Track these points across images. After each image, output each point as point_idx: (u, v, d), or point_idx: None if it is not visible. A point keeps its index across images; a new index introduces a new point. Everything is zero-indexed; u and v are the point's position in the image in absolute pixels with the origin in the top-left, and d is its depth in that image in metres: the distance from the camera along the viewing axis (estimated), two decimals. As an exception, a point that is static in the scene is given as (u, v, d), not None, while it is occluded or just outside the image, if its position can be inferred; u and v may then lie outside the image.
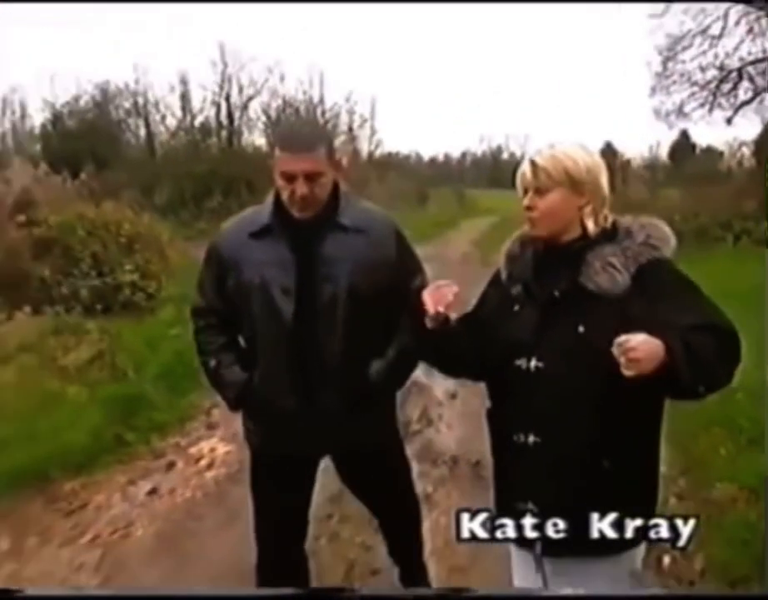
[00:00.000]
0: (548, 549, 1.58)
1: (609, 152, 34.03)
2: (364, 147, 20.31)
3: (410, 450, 3.83)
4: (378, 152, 21.08)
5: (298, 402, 2.12)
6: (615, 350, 1.39)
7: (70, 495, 3.72)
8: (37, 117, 20.40)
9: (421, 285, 2.07)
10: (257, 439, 2.27)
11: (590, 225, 1.65)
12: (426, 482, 3.62)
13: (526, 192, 1.68)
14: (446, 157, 39.38)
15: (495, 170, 36.40)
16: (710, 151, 21.54)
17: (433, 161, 37.06)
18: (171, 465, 4.06)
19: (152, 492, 3.75)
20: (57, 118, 19.83)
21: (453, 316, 1.71)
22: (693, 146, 23.60)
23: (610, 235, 1.65)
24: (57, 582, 3.01)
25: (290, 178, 2.01)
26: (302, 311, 2.07)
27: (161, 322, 6.58)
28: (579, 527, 1.53)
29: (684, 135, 21.84)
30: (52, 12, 28.23)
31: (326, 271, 2.07)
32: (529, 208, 1.67)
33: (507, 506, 1.69)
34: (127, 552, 3.20)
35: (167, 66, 27.34)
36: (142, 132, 19.30)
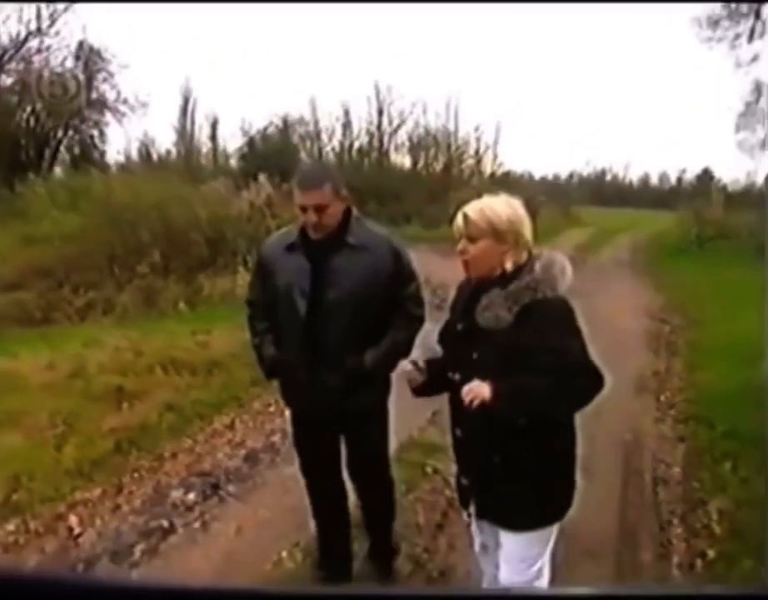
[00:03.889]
0: (477, 512, 1.88)
1: (706, 177, 32.91)
2: (488, 168, 21.79)
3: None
4: (499, 172, 22.42)
5: (308, 377, 2.32)
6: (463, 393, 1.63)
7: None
8: (231, 142, 23.36)
9: (413, 290, 2.38)
10: (286, 401, 2.55)
11: (508, 266, 1.76)
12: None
13: (461, 238, 1.79)
14: (555, 176, 39.62)
15: (598, 190, 36.30)
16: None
17: (543, 179, 37.42)
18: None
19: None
20: (251, 142, 23.15)
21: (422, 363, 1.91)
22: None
23: (516, 273, 1.75)
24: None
25: (303, 209, 2.20)
26: (313, 309, 2.26)
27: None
28: (488, 503, 1.84)
29: None
30: (251, 65, 32.44)
31: (333, 279, 2.25)
32: (462, 252, 1.79)
33: (457, 476, 1.99)
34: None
35: (333, 101, 30.25)
36: (315, 152, 22.24)
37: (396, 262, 2.30)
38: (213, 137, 23.25)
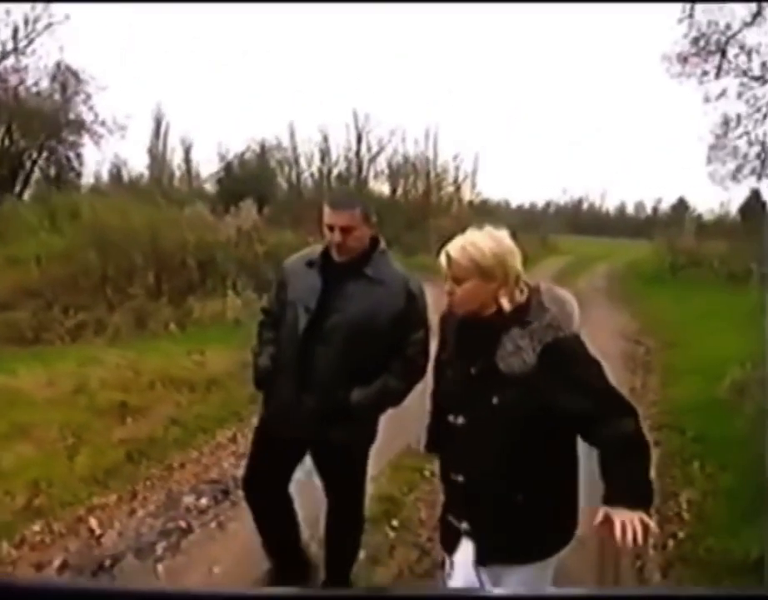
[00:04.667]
0: (479, 559, 1.79)
1: (681, 206, 34.42)
2: (466, 197, 22.60)
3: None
4: (478, 201, 23.24)
5: (292, 397, 2.36)
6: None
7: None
8: (207, 166, 23.71)
9: (419, 337, 2.32)
10: (264, 412, 2.59)
11: (505, 304, 1.72)
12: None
13: (446, 278, 1.75)
14: (531, 205, 40.85)
15: (575, 218, 37.57)
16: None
17: (520, 208, 38.51)
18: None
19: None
20: (228, 167, 23.61)
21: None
22: (763, 204, 23.69)
23: (522, 313, 1.71)
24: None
25: (330, 228, 2.28)
26: (312, 328, 2.31)
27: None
28: (500, 545, 1.76)
29: (755, 194, 22.04)
30: (228, 90, 33.25)
31: (339, 304, 2.29)
32: (449, 293, 1.76)
33: (447, 519, 1.90)
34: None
35: (311, 127, 31.08)
36: (293, 177, 22.79)
37: (408, 303, 2.31)
38: (187, 160, 23.58)
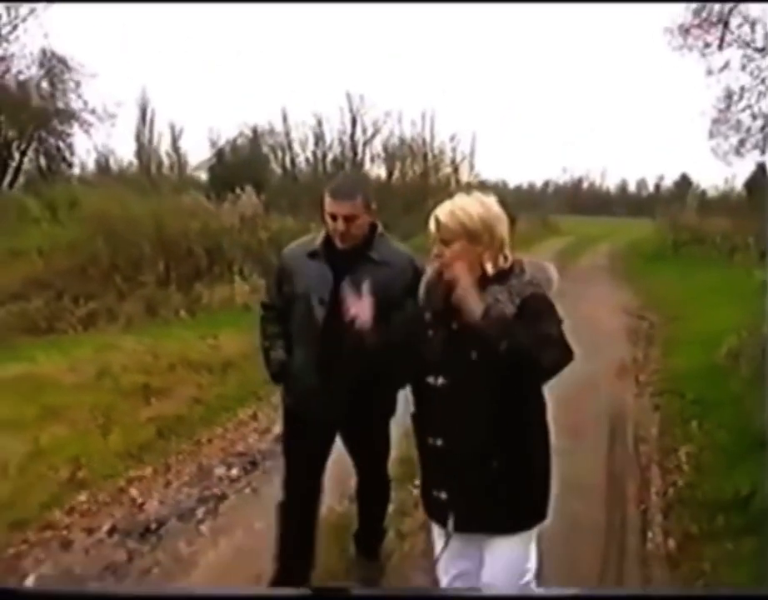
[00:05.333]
0: (459, 526, 1.86)
1: (684, 182, 34.88)
2: (464, 178, 22.88)
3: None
4: (476, 182, 23.53)
5: (319, 382, 2.49)
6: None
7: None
8: (198, 153, 23.87)
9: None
10: (289, 404, 2.71)
11: (489, 267, 1.81)
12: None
13: (435, 241, 1.85)
14: (530, 185, 41.32)
15: (575, 197, 37.98)
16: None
17: (518, 188, 38.94)
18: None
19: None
20: (220, 153, 23.82)
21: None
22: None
23: (504, 274, 1.81)
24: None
25: (333, 218, 2.39)
26: (331, 318, 2.40)
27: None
28: (479, 512, 1.84)
29: (761, 168, 22.15)
30: (222, 81, 33.18)
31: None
32: (437, 256, 1.85)
33: (426, 492, 1.97)
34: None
35: (305, 111, 31.12)
36: (287, 162, 23.02)
37: (415, 277, 2.37)
38: (176, 148, 23.70)
